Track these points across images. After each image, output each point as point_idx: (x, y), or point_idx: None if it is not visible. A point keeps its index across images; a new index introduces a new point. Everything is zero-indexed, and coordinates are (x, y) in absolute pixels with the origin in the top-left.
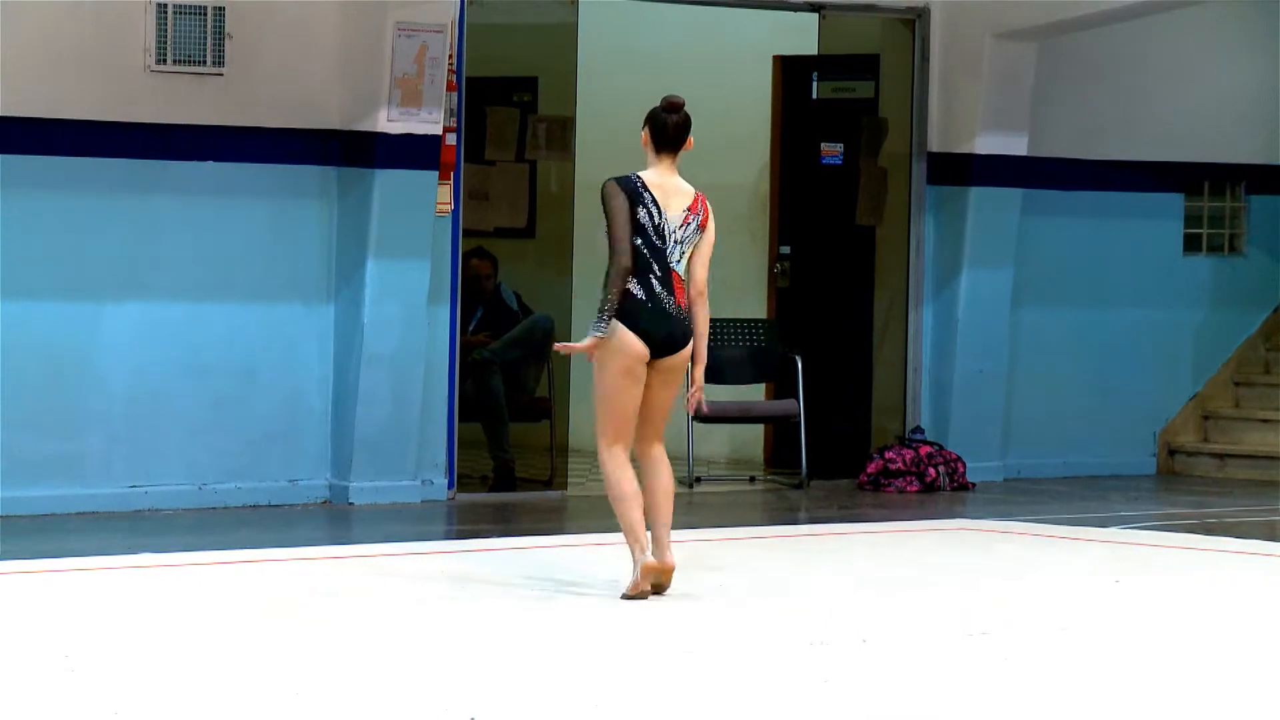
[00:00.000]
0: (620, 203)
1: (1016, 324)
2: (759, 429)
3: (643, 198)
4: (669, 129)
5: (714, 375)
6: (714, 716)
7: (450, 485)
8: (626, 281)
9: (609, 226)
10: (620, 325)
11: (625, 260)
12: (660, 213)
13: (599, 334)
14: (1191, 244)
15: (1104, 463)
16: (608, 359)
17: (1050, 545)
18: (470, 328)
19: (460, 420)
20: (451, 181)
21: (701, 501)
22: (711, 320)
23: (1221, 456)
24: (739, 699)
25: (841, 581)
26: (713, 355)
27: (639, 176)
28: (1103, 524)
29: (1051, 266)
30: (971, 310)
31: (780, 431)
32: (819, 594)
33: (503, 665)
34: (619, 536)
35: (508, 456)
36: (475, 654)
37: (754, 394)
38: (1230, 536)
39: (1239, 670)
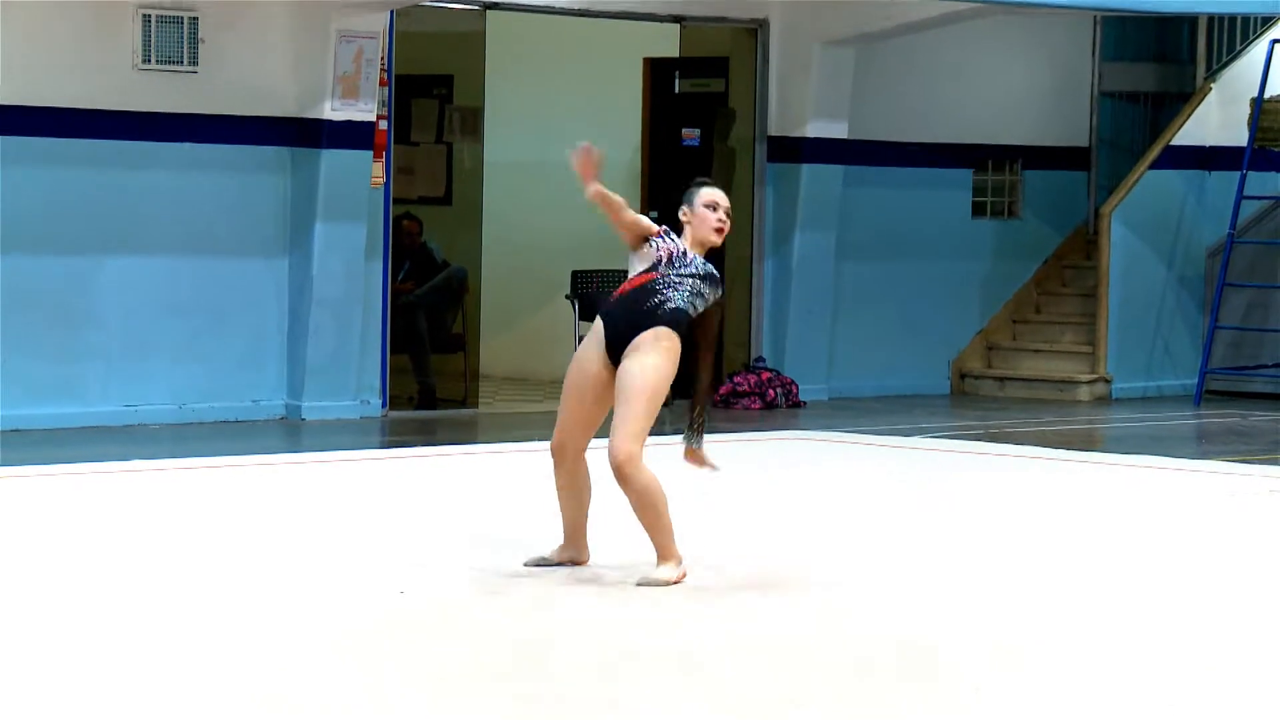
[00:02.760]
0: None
1: (839, 274)
2: None
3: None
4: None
5: (594, 315)
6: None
7: (384, 404)
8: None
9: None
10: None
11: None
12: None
13: (696, 446)
14: (978, 210)
15: (909, 385)
16: (668, 363)
17: (867, 450)
18: (399, 277)
19: (391, 352)
20: (383, 159)
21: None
22: (593, 271)
23: (1002, 380)
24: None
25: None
26: (592, 299)
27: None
28: (908, 434)
29: (867, 228)
30: (803, 263)
31: None
32: (678, 491)
33: (428, 548)
34: (521, 445)
35: (430, 381)
36: (405, 541)
37: None
38: (1009, 443)
39: (1017, 546)
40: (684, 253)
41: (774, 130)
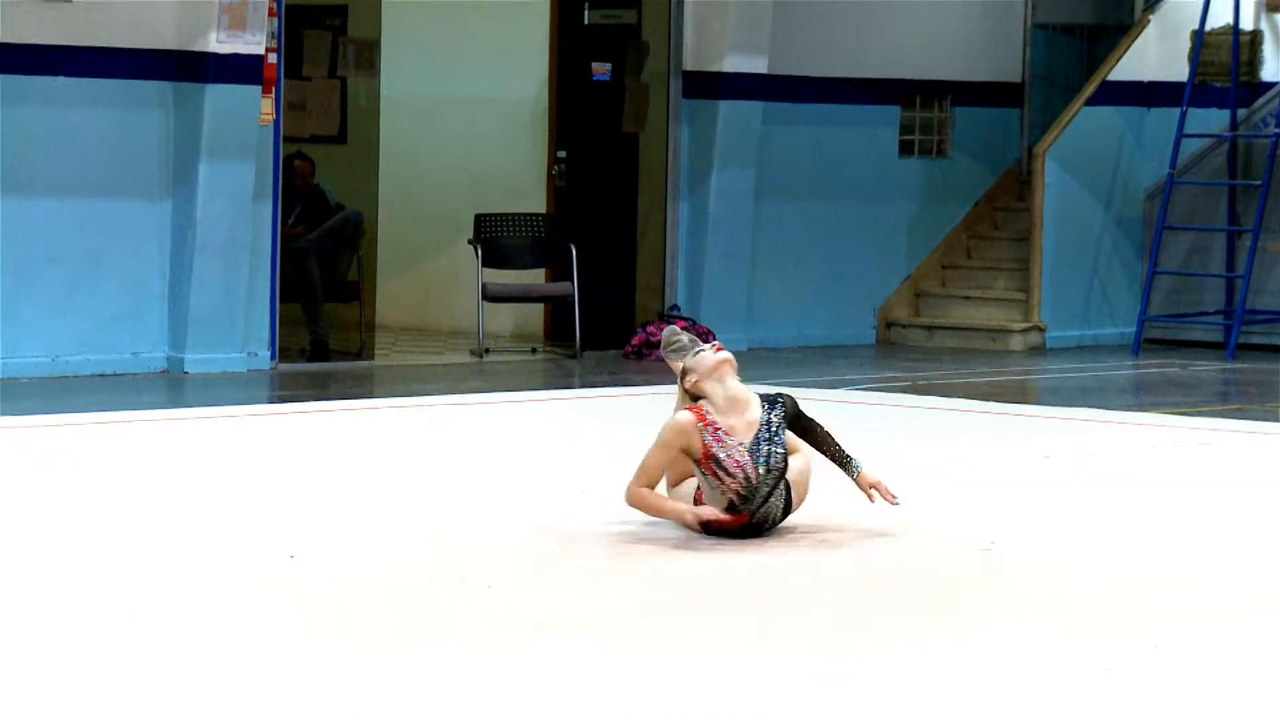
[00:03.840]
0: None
1: (758, 217)
2: (539, 308)
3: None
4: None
5: (500, 261)
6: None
7: (273, 357)
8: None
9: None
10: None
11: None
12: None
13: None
14: (905, 149)
15: (832, 334)
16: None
17: None
18: (290, 220)
19: (281, 301)
20: (273, 95)
21: (491, 369)
22: (497, 215)
23: (930, 328)
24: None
25: (622, 432)
26: (498, 244)
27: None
28: (832, 386)
29: (788, 168)
30: (720, 205)
31: (557, 310)
32: (585, 447)
33: (319, 510)
34: (420, 400)
35: (322, 332)
36: (295, 502)
37: (535, 278)
38: (938, 395)
39: (941, 503)
40: (719, 430)
41: (689, 64)
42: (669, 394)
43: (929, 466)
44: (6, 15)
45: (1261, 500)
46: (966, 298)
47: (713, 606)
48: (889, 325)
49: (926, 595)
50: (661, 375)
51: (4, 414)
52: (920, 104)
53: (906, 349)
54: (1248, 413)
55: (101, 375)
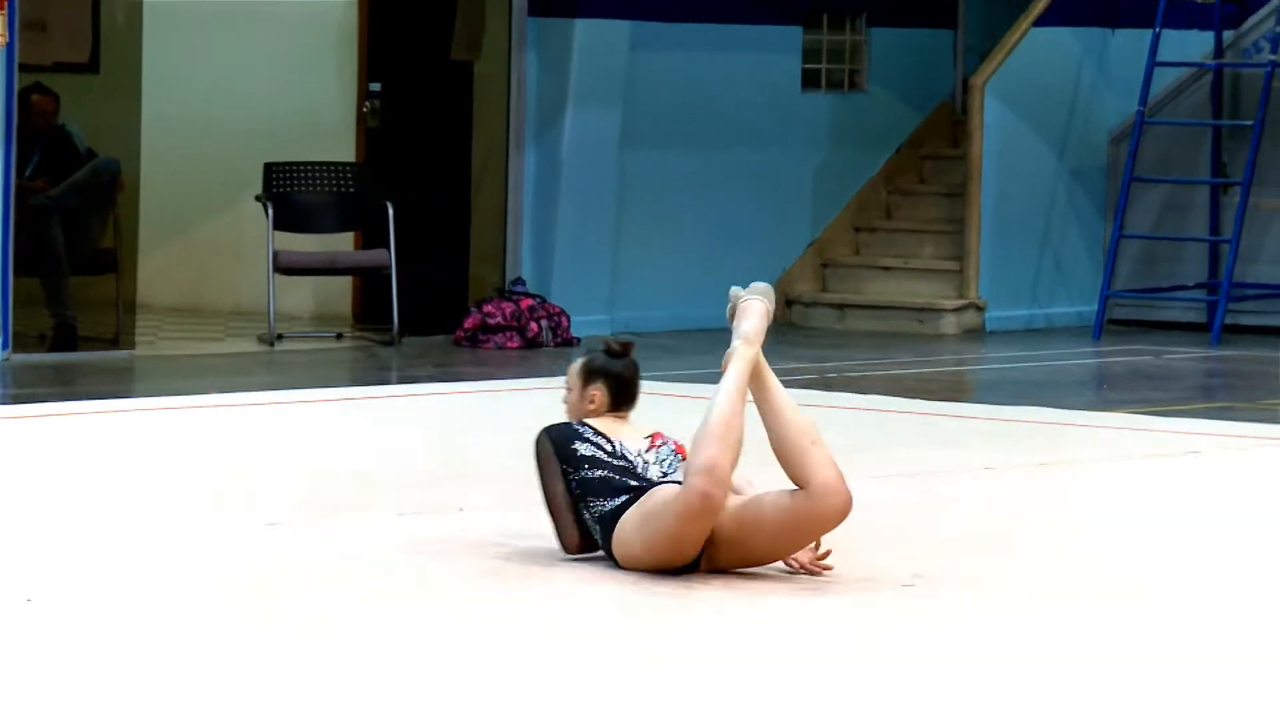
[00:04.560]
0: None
1: (625, 167)
2: (346, 281)
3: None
4: (634, 384)
5: (297, 223)
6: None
7: (4, 345)
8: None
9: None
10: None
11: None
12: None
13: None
14: (810, 80)
15: (718, 314)
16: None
17: (661, 404)
18: (27, 172)
19: (15, 274)
20: (5, 11)
21: (284, 360)
22: (293, 164)
23: (841, 307)
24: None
25: (444, 443)
26: (293, 201)
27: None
28: (717, 379)
29: (662, 105)
30: (576, 152)
31: (370, 284)
32: (404, 460)
33: (62, 542)
34: (193, 400)
35: (69, 313)
36: (35, 532)
37: (341, 243)
38: (851, 391)
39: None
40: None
41: None
42: (517, 390)
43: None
44: None
45: (1260, 531)
46: (886, 269)
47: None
48: (789, 303)
49: (828, 640)
50: (506, 367)
51: None
52: (828, 24)
53: (812, 333)
54: (1237, 412)
55: None
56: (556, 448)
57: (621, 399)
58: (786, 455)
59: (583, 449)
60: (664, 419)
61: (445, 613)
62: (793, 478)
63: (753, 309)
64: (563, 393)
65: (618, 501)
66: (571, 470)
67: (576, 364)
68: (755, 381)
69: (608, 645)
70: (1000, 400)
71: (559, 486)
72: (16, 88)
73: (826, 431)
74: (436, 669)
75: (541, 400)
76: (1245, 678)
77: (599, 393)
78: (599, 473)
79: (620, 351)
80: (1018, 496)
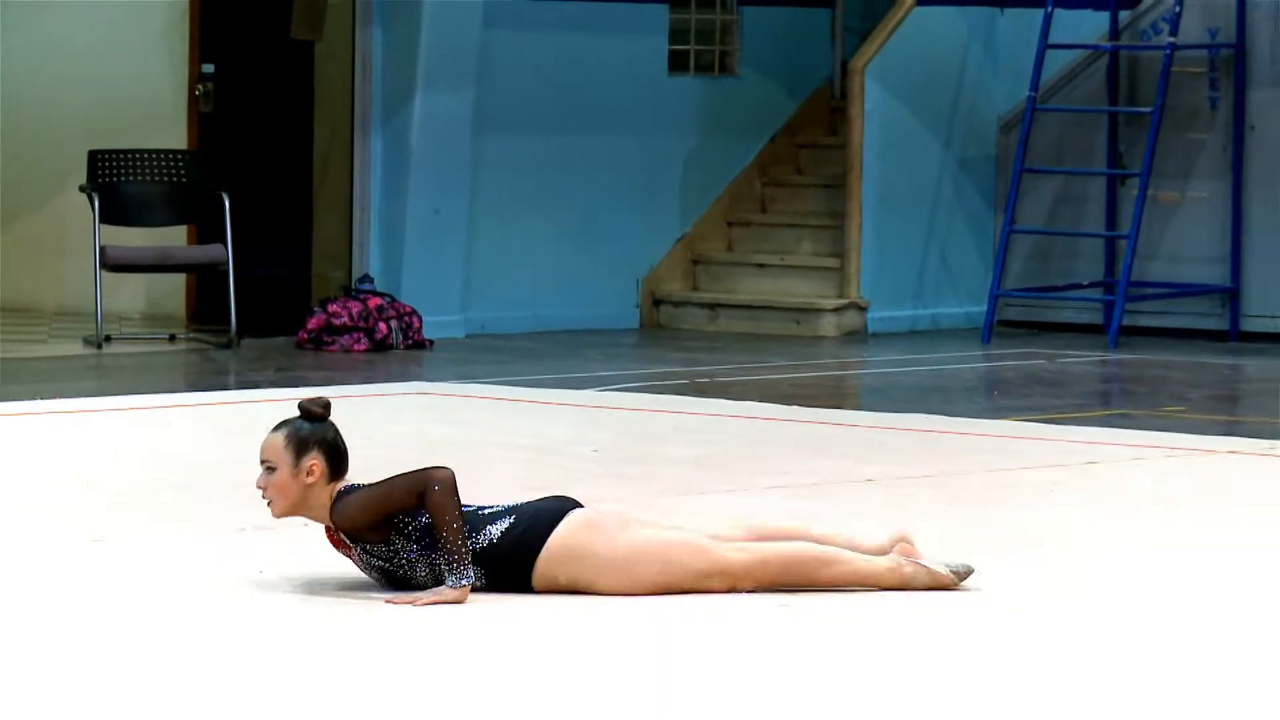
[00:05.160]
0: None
1: (479, 155)
2: (179, 279)
3: None
4: (345, 446)
5: (125, 216)
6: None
7: None
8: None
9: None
10: None
11: (442, 473)
12: None
13: (466, 584)
14: (678, 62)
15: (581, 315)
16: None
17: (521, 410)
18: None
19: None
20: None
21: (113, 364)
22: (119, 152)
23: (713, 306)
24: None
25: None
26: (121, 192)
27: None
28: (580, 385)
29: (519, 88)
30: (427, 139)
31: (205, 282)
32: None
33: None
34: (12, 406)
35: None
36: None
37: (174, 238)
38: (724, 398)
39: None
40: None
41: None
42: (365, 396)
43: (709, 492)
44: None
45: (1163, 542)
46: (761, 265)
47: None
48: (657, 303)
49: (699, 659)
50: (352, 371)
51: None
52: (697, 2)
53: (681, 334)
54: (1136, 419)
55: None
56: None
57: (340, 465)
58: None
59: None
60: (521, 427)
61: (286, 632)
62: None
63: None
64: (259, 475)
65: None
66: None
67: (276, 437)
68: None
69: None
70: (883, 407)
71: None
72: None
73: (696, 439)
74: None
75: (389, 405)
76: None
77: (317, 463)
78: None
79: (322, 414)
80: (899, 510)
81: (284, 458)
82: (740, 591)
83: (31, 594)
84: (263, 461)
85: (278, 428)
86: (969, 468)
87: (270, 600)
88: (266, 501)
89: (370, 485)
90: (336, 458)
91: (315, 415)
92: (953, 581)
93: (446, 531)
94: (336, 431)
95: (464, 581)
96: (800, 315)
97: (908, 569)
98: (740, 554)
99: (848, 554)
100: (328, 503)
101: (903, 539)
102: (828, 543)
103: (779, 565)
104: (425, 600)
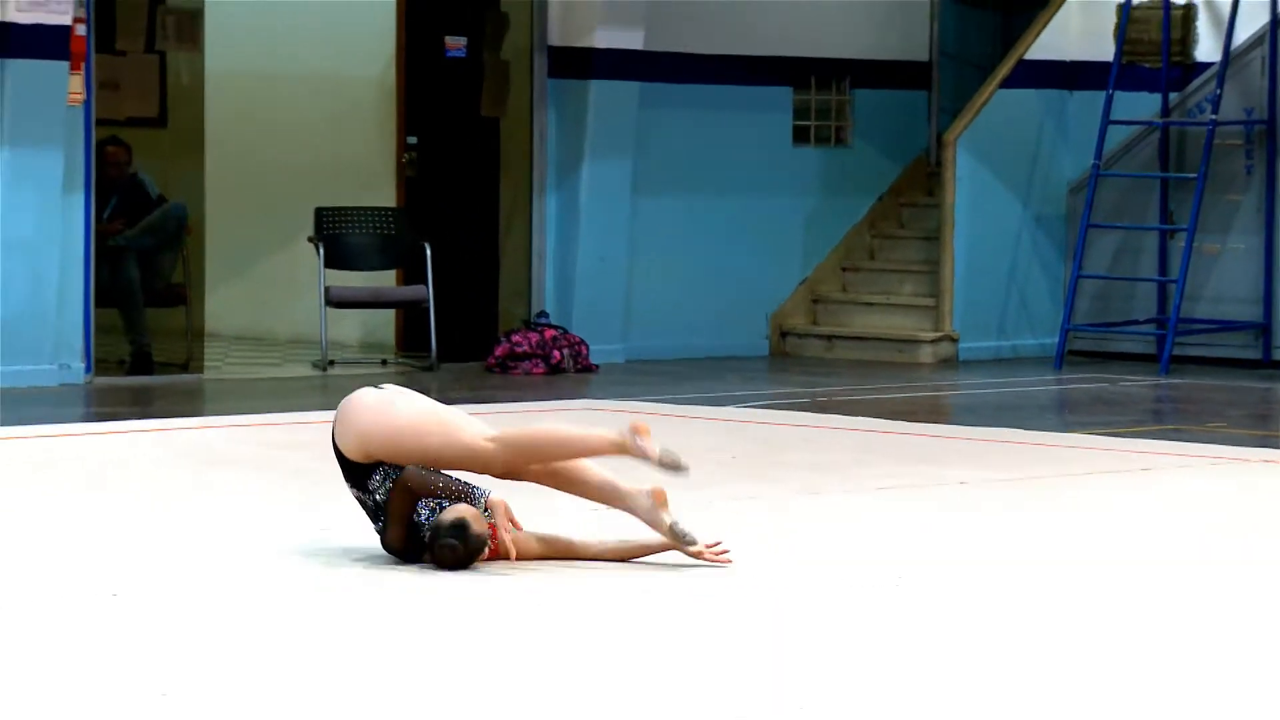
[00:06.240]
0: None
1: (636, 212)
2: (389, 314)
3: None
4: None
5: (345, 261)
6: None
7: (88, 369)
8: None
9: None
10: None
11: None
12: None
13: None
14: (800, 136)
15: (720, 344)
16: None
17: (670, 423)
18: (105, 215)
19: (97, 305)
20: (82, 72)
21: (335, 384)
22: (341, 209)
23: (830, 338)
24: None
25: None
26: (342, 242)
27: None
28: (719, 403)
29: (669, 157)
30: (593, 199)
31: (410, 316)
32: None
33: (142, 541)
34: (255, 419)
35: (144, 341)
36: (117, 532)
37: (385, 280)
38: (839, 414)
39: (843, 537)
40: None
41: (556, 39)
42: (542, 411)
43: (828, 493)
44: None
45: (1210, 536)
46: (870, 304)
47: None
48: (783, 335)
49: (821, 631)
50: (531, 391)
51: None
52: (816, 85)
53: (803, 361)
54: (1185, 433)
55: None
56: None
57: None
58: (605, 494)
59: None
60: (666, 435)
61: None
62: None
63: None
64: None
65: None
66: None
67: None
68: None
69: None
70: (973, 422)
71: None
72: (94, 140)
73: (816, 448)
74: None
75: (565, 418)
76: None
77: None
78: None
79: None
80: (988, 507)
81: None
82: (493, 474)
83: (281, 573)
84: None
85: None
86: (1045, 473)
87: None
88: None
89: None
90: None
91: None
92: (668, 531)
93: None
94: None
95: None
96: (902, 345)
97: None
98: (493, 442)
99: (586, 460)
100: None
101: (658, 491)
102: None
103: (520, 446)
104: None
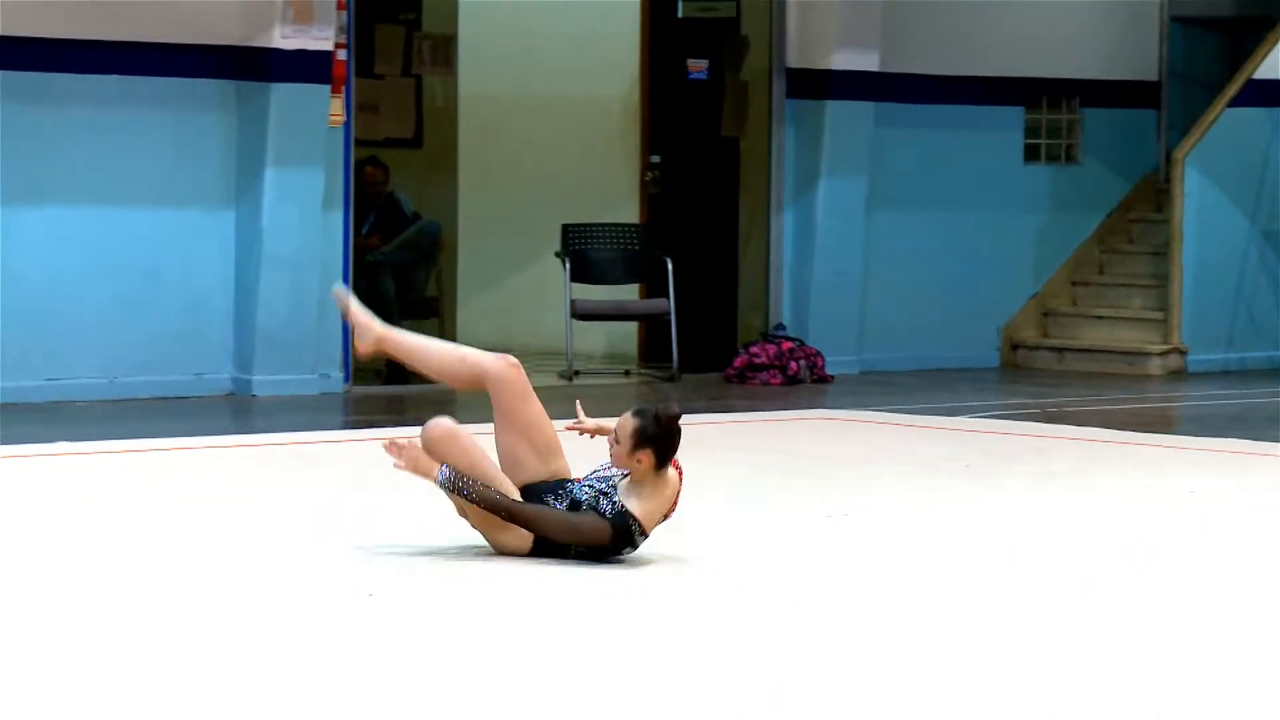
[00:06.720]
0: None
1: (870, 228)
2: (633, 326)
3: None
4: (676, 445)
5: (590, 276)
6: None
7: (346, 378)
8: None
9: (558, 523)
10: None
11: (522, 531)
12: None
13: (440, 480)
14: (1031, 154)
15: (952, 356)
16: None
17: (904, 433)
18: (363, 232)
19: None
20: (343, 95)
21: (580, 393)
22: (586, 225)
23: (1060, 350)
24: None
25: (714, 468)
26: (587, 257)
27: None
28: (951, 413)
29: (902, 175)
30: (829, 216)
31: (652, 328)
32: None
33: (402, 544)
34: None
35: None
36: (374, 535)
37: (628, 294)
38: (1069, 424)
39: (1078, 546)
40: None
41: (794, 61)
42: (779, 420)
43: (1060, 500)
44: (52, 8)
45: None
46: (1099, 317)
47: None
48: (1014, 347)
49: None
50: (769, 401)
51: (58, 440)
52: (1047, 105)
53: (1034, 373)
54: None
55: (162, 399)
56: (605, 544)
57: (665, 459)
58: (453, 372)
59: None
60: (900, 444)
61: None
62: (472, 381)
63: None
64: (609, 439)
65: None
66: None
67: (630, 424)
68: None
69: None
70: (1201, 432)
71: (566, 530)
72: (353, 160)
73: (1048, 457)
74: None
75: (798, 427)
76: None
77: (647, 457)
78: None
79: (667, 424)
80: (1221, 514)
81: (626, 442)
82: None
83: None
84: (614, 430)
85: (636, 415)
86: (1276, 482)
87: None
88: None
89: (568, 531)
90: (664, 455)
91: (661, 421)
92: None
93: (479, 491)
94: (670, 434)
95: (442, 479)
96: (1131, 358)
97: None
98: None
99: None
100: (644, 479)
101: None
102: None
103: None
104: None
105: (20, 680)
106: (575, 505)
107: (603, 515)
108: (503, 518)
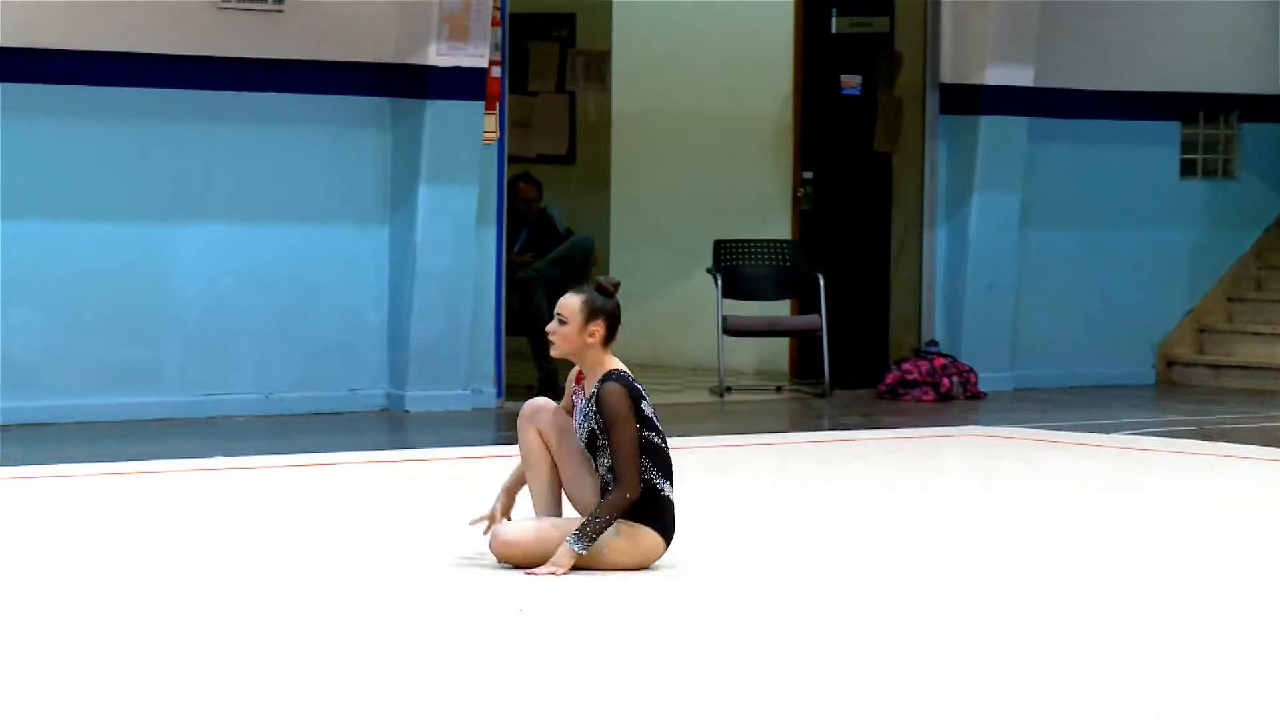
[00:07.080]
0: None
1: (1024, 244)
2: (784, 342)
3: (644, 395)
4: (619, 316)
5: (742, 292)
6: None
7: (499, 394)
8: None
9: (620, 444)
10: (647, 530)
11: (635, 492)
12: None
13: (581, 551)
14: (1188, 169)
15: (1106, 373)
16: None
17: (1059, 450)
18: (516, 247)
19: (507, 333)
20: (497, 111)
21: (732, 410)
22: (738, 241)
23: (1216, 367)
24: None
25: (864, 486)
26: (739, 273)
27: (629, 373)
28: (1107, 430)
29: (1056, 190)
30: (982, 231)
31: (804, 344)
32: (840, 499)
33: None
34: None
35: (551, 367)
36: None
37: (780, 309)
38: (1226, 442)
39: (1230, 565)
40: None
41: (947, 77)
42: (931, 437)
43: (1218, 520)
44: (212, 26)
45: None
46: (1257, 334)
47: None
48: (1170, 364)
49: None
50: (921, 417)
51: (214, 454)
52: (1204, 119)
53: (1189, 390)
54: None
55: (317, 414)
56: (633, 402)
57: (614, 334)
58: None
59: (648, 410)
60: (1059, 465)
61: None
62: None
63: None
64: (553, 324)
65: (668, 492)
66: (641, 429)
67: (575, 300)
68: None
69: None
70: None
71: (634, 437)
72: (506, 176)
73: (1205, 477)
74: None
75: (950, 444)
76: None
77: (599, 328)
78: (657, 441)
79: (612, 291)
80: None
81: (576, 318)
82: None
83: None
84: (557, 314)
85: (578, 292)
86: None
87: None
88: (551, 343)
89: (624, 431)
90: (614, 328)
91: (607, 292)
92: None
93: (604, 514)
94: (618, 307)
95: (580, 548)
96: None
97: None
98: None
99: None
100: (599, 360)
101: None
102: None
103: None
104: (542, 572)
105: (166, 680)
106: (593, 435)
107: (598, 420)
108: (630, 497)
